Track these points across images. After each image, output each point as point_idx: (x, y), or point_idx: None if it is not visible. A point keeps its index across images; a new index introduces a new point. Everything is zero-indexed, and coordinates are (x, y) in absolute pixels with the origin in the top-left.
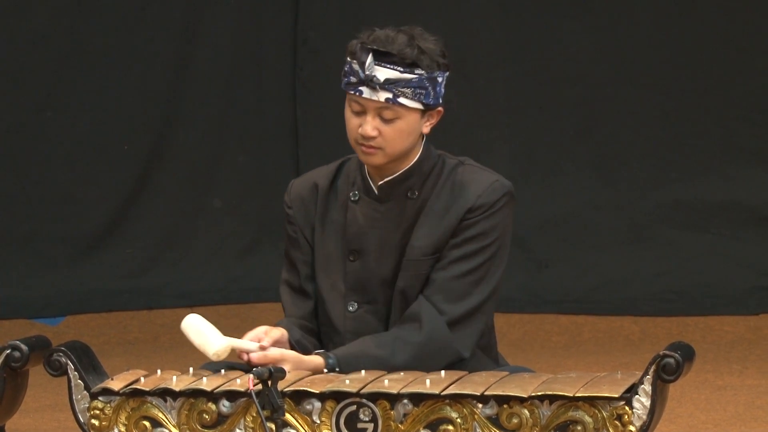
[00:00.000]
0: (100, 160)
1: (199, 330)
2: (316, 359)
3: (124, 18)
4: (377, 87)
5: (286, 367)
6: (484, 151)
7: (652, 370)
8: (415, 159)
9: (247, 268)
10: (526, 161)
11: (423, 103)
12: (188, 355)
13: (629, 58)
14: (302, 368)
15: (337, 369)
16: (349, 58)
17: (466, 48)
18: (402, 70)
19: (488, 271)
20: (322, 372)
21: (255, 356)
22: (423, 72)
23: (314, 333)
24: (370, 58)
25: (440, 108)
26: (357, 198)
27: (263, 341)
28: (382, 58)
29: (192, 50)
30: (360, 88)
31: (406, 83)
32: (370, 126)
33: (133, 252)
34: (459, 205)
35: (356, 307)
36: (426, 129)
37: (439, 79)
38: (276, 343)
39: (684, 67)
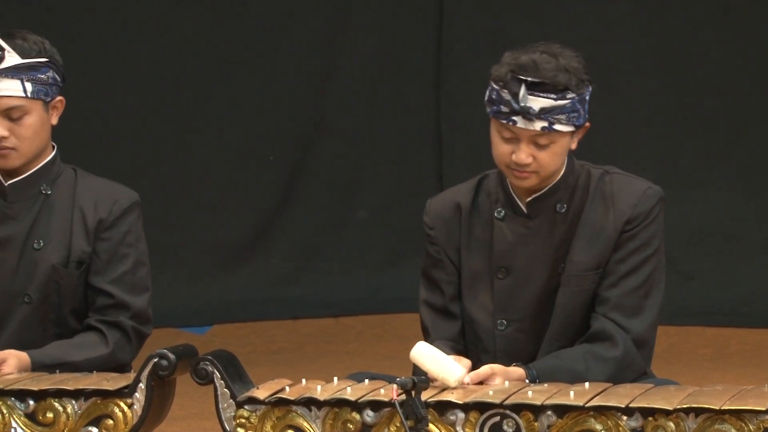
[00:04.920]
0: (245, 171)
1: (435, 357)
2: (519, 370)
3: (268, 30)
4: (533, 117)
5: (498, 381)
6: (628, 163)
7: None
8: (561, 173)
9: (391, 278)
10: (670, 172)
11: (575, 125)
12: (333, 364)
13: None
14: (509, 380)
15: (537, 380)
16: (496, 86)
17: (609, 59)
18: (555, 97)
19: (655, 280)
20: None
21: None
22: (574, 95)
23: (465, 354)
24: (523, 90)
25: (587, 123)
26: (503, 215)
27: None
28: (535, 88)
29: (336, 61)
30: (513, 118)
31: (561, 110)
32: (524, 154)
33: (278, 262)
34: (615, 216)
35: (506, 325)
36: (574, 145)
37: (587, 97)
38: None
39: None
